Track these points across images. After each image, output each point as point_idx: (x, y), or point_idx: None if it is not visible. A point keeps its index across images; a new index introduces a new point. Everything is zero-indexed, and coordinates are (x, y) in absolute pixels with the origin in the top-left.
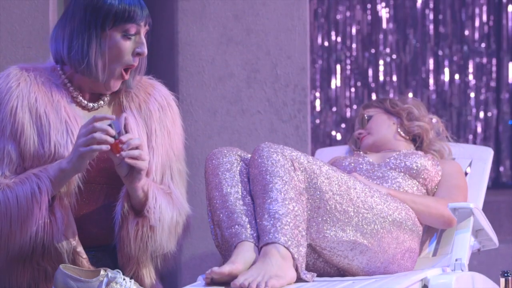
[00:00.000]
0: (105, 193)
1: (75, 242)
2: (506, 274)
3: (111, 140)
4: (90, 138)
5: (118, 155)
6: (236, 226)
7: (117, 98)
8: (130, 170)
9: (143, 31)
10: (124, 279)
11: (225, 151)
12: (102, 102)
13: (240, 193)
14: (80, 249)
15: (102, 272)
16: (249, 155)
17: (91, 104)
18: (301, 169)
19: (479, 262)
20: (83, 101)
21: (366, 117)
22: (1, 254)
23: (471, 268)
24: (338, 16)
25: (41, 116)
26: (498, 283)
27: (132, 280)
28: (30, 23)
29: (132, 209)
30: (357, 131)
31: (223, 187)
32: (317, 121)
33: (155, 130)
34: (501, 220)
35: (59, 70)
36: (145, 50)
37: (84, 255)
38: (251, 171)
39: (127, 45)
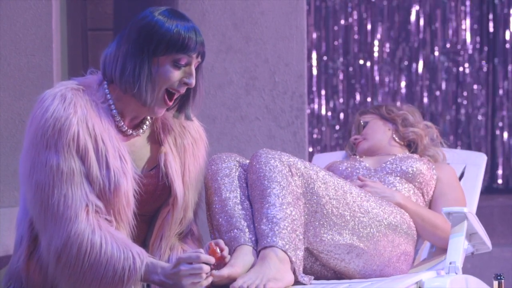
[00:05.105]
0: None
1: None
2: (499, 277)
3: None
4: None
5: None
6: (235, 230)
7: (155, 129)
8: None
9: (194, 62)
10: None
11: (224, 157)
12: (141, 130)
13: (239, 198)
14: None
15: None
16: (248, 161)
17: (130, 131)
18: (298, 174)
19: (473, 265)
20: (124, 126)
21: (362, 123)
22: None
23: (465, 271)
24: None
25: (98, 142)
26: (492, 286)
27: None
28: (34, 31)
29: None
30: (353, 136)
31: (222, 192)
32: None
33: (189, 165)
34: (494, 224)
35: (106, 88)
36: (193, 82)
37: None
38: (249, 176)
39: (176, 74)
